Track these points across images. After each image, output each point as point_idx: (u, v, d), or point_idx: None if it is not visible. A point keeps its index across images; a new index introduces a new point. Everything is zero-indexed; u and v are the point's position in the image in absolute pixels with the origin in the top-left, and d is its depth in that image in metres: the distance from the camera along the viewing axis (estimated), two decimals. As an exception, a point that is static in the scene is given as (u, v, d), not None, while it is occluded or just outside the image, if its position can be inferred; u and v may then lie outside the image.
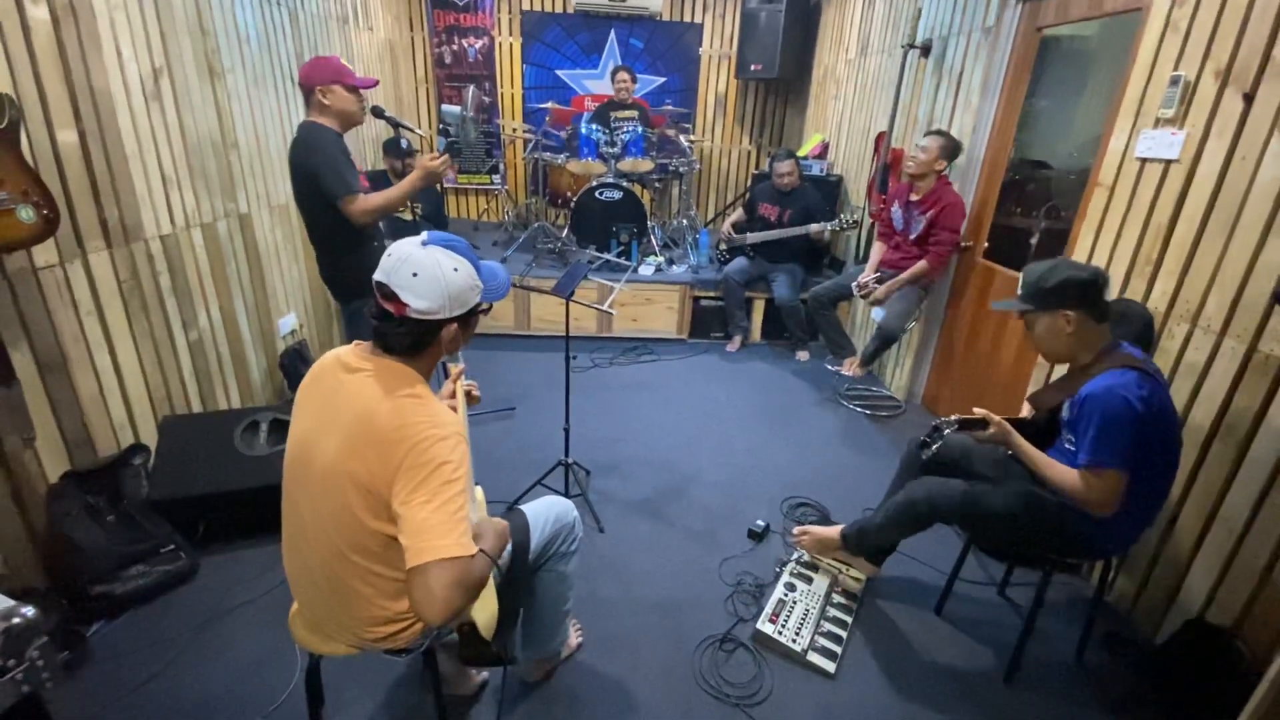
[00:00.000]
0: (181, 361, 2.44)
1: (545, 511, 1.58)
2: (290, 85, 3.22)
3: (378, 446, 1.07)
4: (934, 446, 1.74)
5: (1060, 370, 1.79)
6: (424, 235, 1.16)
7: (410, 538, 1.02)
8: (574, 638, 1.87)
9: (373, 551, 1.12)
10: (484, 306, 1.25)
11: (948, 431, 1.71)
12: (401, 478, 1.05)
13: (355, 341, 1.23)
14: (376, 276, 1.13)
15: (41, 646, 1.02)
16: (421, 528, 1.01)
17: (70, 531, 1.85)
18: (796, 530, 1.99)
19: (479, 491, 1.60)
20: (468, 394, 1.61)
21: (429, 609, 0.99)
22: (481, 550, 1.11)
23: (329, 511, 1.13)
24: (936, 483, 1.87)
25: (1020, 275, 1.69)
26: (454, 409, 1.60)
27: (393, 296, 1.11)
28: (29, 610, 1.01)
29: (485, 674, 1.77)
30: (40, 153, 1.81)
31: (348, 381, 1.16)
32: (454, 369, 1.68)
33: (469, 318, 1.22)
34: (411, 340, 1.16)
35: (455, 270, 1.14)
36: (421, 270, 1.11)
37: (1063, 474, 1.59)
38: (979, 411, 1.71)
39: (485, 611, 1.31)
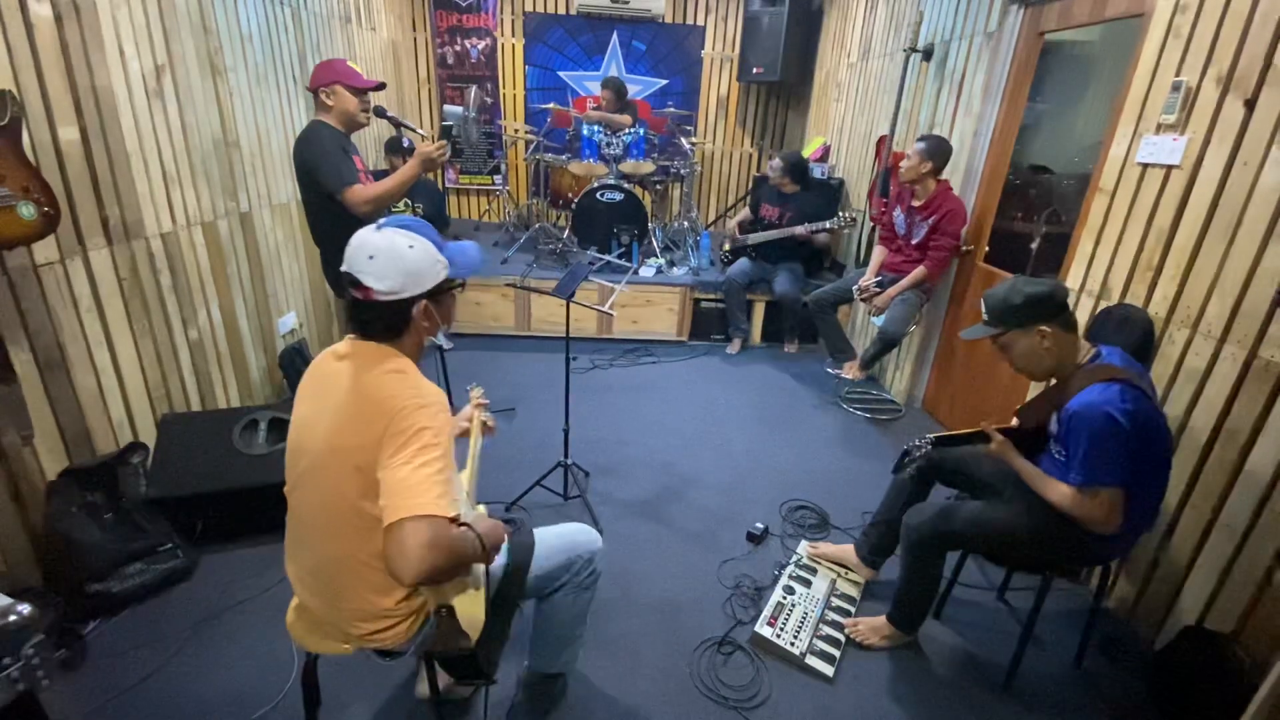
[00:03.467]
0: (181, 360, 2.44)
1: (559, 539, 1.53)
2: (292, 84, 3.22)
3: (362, 419, 1.10)
4: (908, 470, 1.74)
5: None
6: (381, 220, 1.19)
7: (387, 496, 1.03)
8: None
9: (363, 533, 1.13)
10: (457, 283, 1.26)
11: (918, 455, 1.71)
12: (384, 446, 1.06)
13: (348, 335, 1.25)
14: (342, 267, 1.16)
15: (37, 644, 1.02)
16: (398, 487, 1.03)
17: (68, 529, 1.84)
18: (848, 622, 2.01)
19: (481, 509, 1.60)
20: (484, 425, 1.64)
21: (401, 565, 0.98)
22: (468, 525, 1.10)
23: (324, 492, 1.15)
24: (920, 510, 1.86)
25: (983, 305, 1.67)
26: (467, 433, 1.64)
27: (356, 283, 1.14)
28: (25, 608, 1.01)
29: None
30: (42, 150, 1.81)
31: (338, 368, 1.20)
32: (473, 394, 1.70)
33: (440, 295, 1.23)
34: (384, 323, 1.18)
35: (411, 248, 1.15)
36: (377, 252, 1.13)
37: (1061, 493, 1.58)
38: (983, 425, 1.70)
39: (467, 602, 1.28)
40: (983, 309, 1.67)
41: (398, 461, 1.04)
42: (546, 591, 1.52)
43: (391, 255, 1.13)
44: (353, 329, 1.22)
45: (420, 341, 1.25)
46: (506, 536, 1.34)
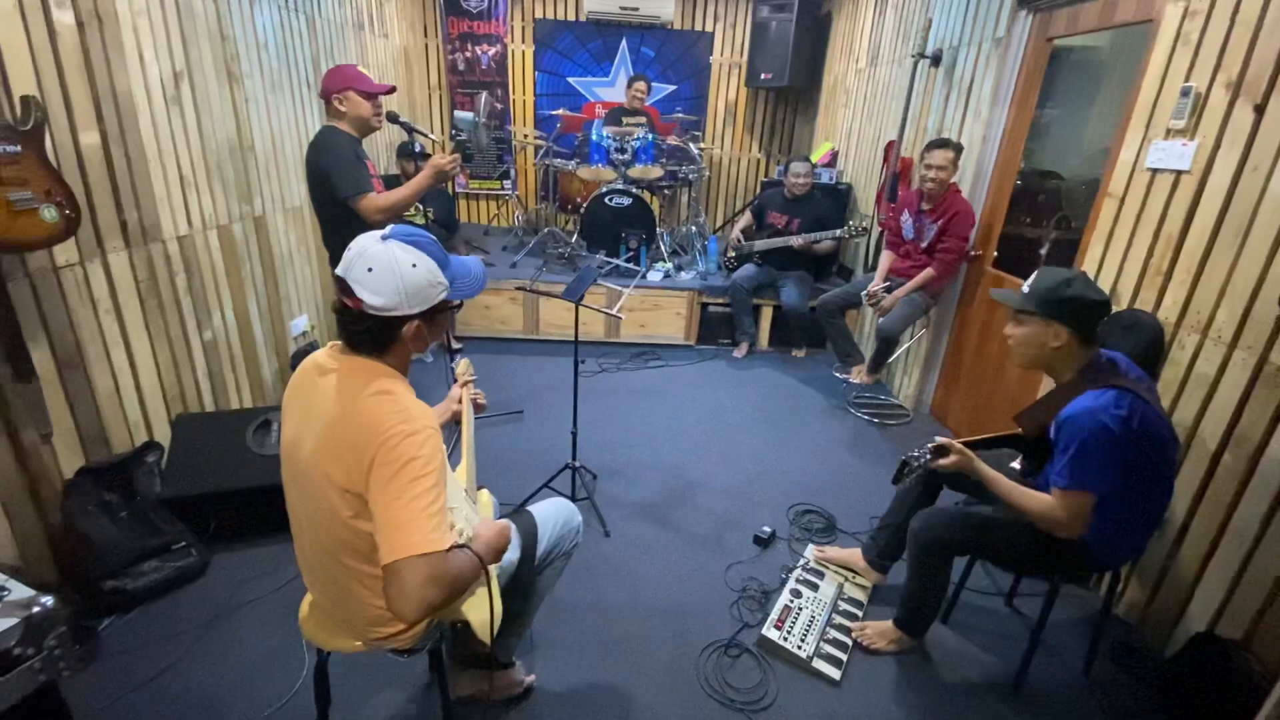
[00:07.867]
0: (196, 361, 2.47)
1: (554, 515, 1.59)
2: (307, 90, 3.26)
3: (349, 448, 1.06)
4: (906, 480, 1.73)
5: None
6: (387, 229, 1.14)
7: (382, 535, 1.02)
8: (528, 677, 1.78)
9: (362, 552, 1.12)
10: (454, 303, 1.22)
11: (917, 465, 1.68)
12: (373, 476, 1.04)
13: (331, 342, 1.22)
14: (336, 270, 1.12)
15: (59, 636, 1.04)
16: (391, 524, 1.01)
17: (84, 527, 1.87)
18: (855, 626, 2.02)
19: (485, 495, 1.61)
20: (474, 402, 1.61)
21: (402, 606, 0.98)
22: (467, 547, 1.11)
23: (317, 514, 1.14)
24: (928, 514, 1.85)
25: (1035, 273, 1.61)
26: (459, 415, 1.61)
27: (349, 291, 1.09)
28: (48, 600, 1.03)
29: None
30: (63, 154, 1.85)
31: (321, 384, 1.15)
32: (460, 370, 1.66)
33: (434, 314, 1.18)
34: (372, 337, 1.14)
35: (414, 266, 1.10)
36: (377, 265, 1.08)
37: (1029, 499, 1.58)
38: (939, 440, 1.68)
39: (481, 611, 1.27)
40: (1029, 281, 1.61)
41: (388, 495, 1.02)
42: (542, 567, 1.57)
43: (392, 271, 1.08)
44: (341, 338, 1.19)
45: (408, 356, 1.21)
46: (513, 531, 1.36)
